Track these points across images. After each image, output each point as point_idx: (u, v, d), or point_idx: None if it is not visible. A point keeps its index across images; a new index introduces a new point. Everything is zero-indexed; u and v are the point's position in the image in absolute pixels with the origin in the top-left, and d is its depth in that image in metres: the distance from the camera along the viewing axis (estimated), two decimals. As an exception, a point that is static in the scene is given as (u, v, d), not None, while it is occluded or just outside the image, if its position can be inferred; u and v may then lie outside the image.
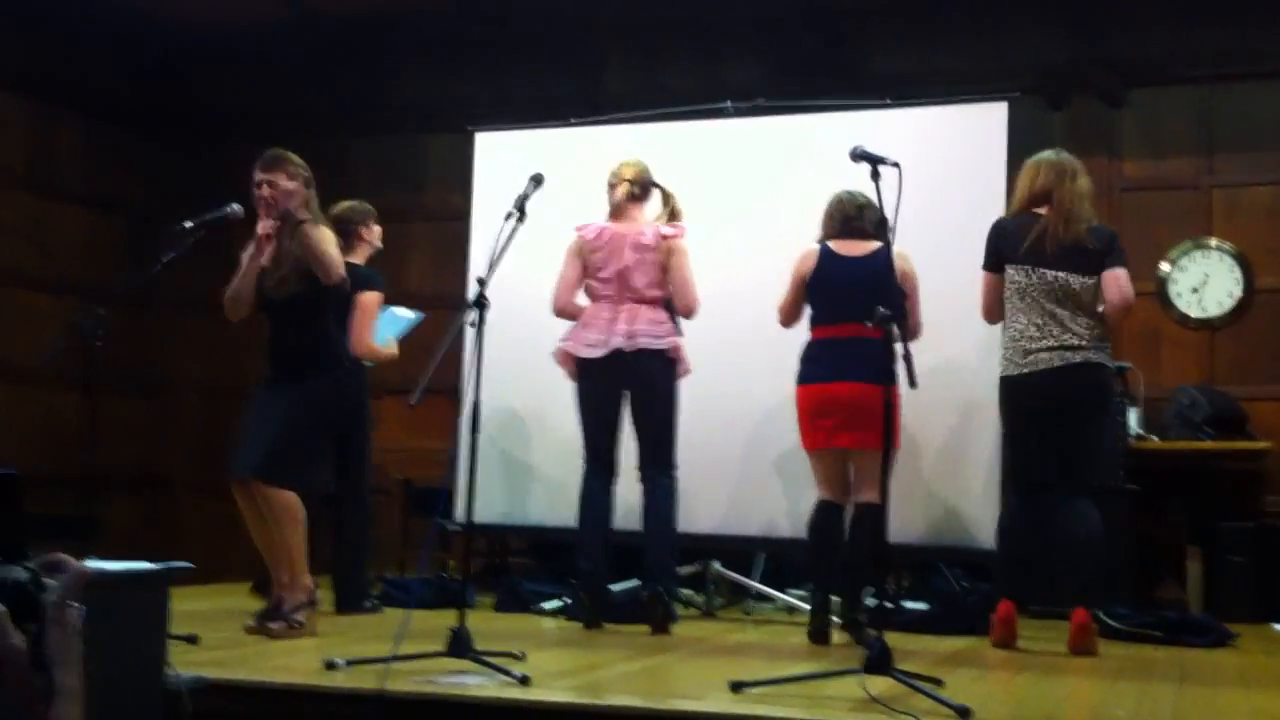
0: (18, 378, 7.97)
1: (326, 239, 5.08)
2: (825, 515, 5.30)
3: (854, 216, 5.38)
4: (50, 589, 1.19)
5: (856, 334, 5.04)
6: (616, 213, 5.75)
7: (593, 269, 5.65)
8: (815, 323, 5.41)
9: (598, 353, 5.55)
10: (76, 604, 1.21)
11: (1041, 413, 5.13)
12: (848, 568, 5.26)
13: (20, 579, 1.15)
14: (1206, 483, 7.01)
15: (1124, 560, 6.50)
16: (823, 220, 5.49)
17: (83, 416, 6.59)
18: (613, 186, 5.77)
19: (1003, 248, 5.25)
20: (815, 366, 5.33)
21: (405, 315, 6.41)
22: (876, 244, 5.21)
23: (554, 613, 6.08)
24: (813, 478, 5.38)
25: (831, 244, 5.42)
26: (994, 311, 5.34)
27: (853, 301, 5.06)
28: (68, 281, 8.31)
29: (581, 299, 5.72)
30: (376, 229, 6.20)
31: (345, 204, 6.08)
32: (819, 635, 5.19)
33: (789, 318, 5.52)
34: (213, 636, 4.84)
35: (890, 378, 5.02)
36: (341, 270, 5.10)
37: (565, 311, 5.72)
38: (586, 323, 5.62)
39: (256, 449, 5.02)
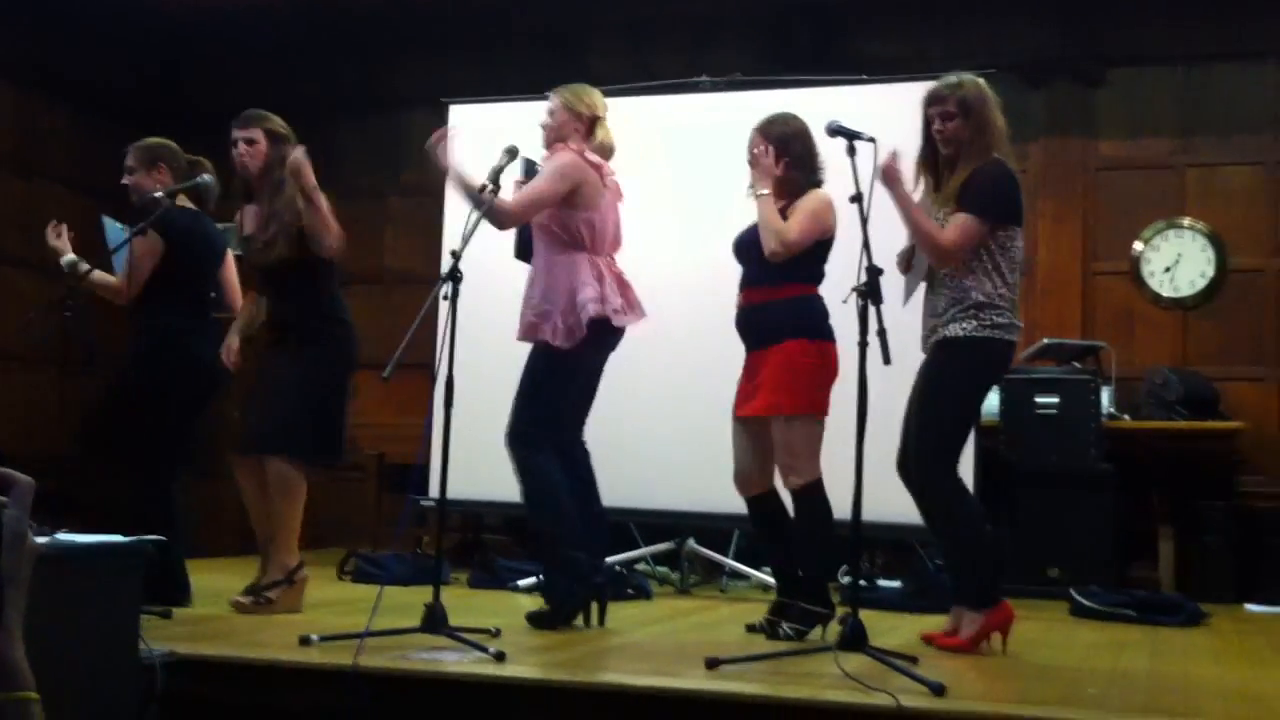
0: (2, 357, 7.92)
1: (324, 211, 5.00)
2: None
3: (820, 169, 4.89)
4: (2, 504, 1.17)
5: None
6: (604, 154, 4.99)
7: (584, 211, 4.85)
8: (815, 280, 4.81)
9: (626, 320, 4.89)
10: (34, 524, 1.18)
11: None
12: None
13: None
14: (1179, 463, 7.04)
15: (1098, 540, 6.54)
16: (804, 154, 4.83)
17: (58, 395, 6.56)
18: (601, 121, 5.02)
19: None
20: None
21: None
22: None
23: (529, 590, 6.07)
24: (814, 450, 4.73)
25: None
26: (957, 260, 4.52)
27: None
28: (47, 262, 8.23)
29: None
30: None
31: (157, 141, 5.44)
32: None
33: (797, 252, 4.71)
34: (186, 611, 4.83)
35: None
36: (338, 236, 5.00)
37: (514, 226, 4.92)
38: (602, 279, 4.85)
39: (260, 422, 4.98)
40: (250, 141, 5.05)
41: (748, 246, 4.89)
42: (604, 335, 4.86)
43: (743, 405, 4.85)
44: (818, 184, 4.84)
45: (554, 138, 4.98)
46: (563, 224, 4.85)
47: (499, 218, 4.74)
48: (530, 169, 4.99)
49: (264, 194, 5.03)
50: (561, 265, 4.84)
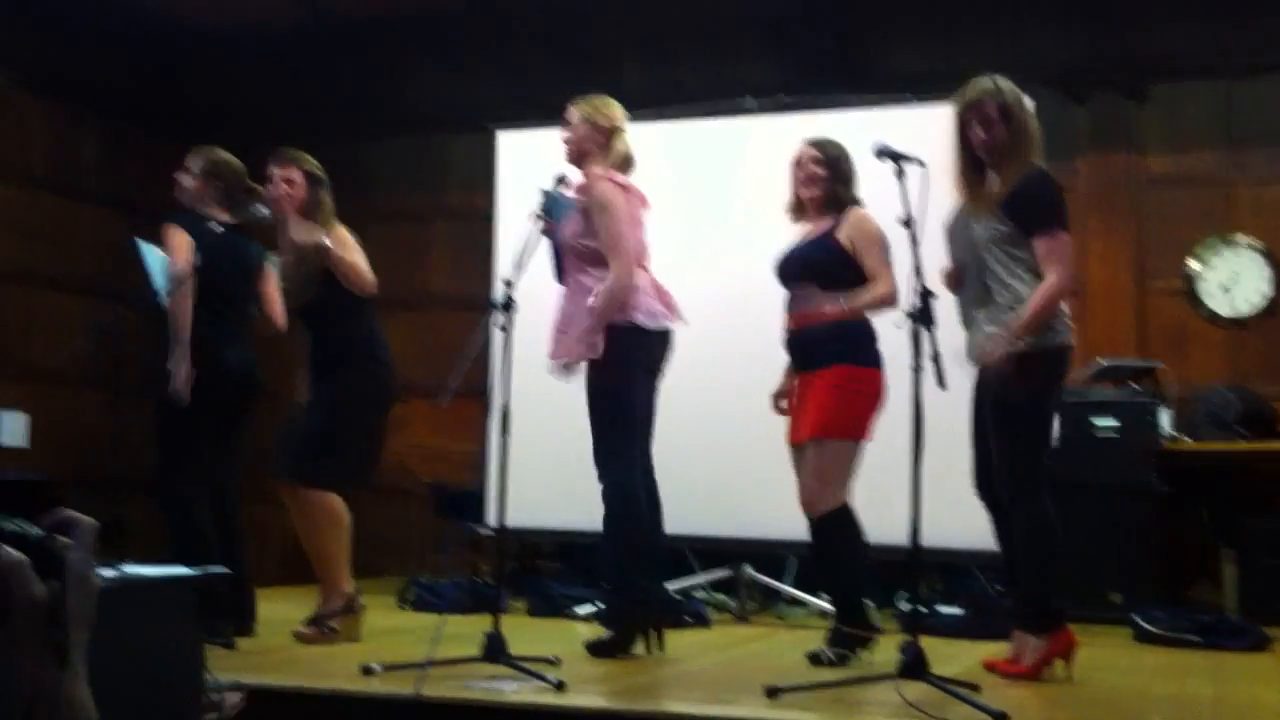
0: (39, 378, 7.98)
1: (348, 250, 5.09)
2: None
3: None
4: (67, 546, 1.19)
5: None
6: (625, 166, 4.99)
7: None
8: None
9: (662, 323, 4.86)
10: (98, 565, 1.21)
11: None
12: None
13: (39, 534, 1.15)
14: (1238, 483, 6.96)
15: (1158, 563, 6.47)
16: (850, 174, 4.95)
17: (106, 418, 6.62)
18: (620, 132, 4.99)
19: None
20: None
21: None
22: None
23: (587, 617, 6.06)
24: (846, 475, 4.76)
25: None
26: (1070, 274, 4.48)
27: None
28: (88, 283, 8.30)
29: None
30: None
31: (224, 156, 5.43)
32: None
33: None
34: (249, 641, 4.86)
35: None
36: (371, 278, 5.10)
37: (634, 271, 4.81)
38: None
39: (289, 450, 5.04)
40: (289, 181, 5.12)
41: (792, 268, 4.90)
42: (642, 340, 4.81)
43: (794, 432, 4.88)
44: (857, 201, 4.89)
45: (575, 152, 4.97)
46: (590, 246, 4.81)
47: (626, 288, 4.74)
48: (549, 205, 4.81)
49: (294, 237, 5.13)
50: (591, 281, 4.81)
